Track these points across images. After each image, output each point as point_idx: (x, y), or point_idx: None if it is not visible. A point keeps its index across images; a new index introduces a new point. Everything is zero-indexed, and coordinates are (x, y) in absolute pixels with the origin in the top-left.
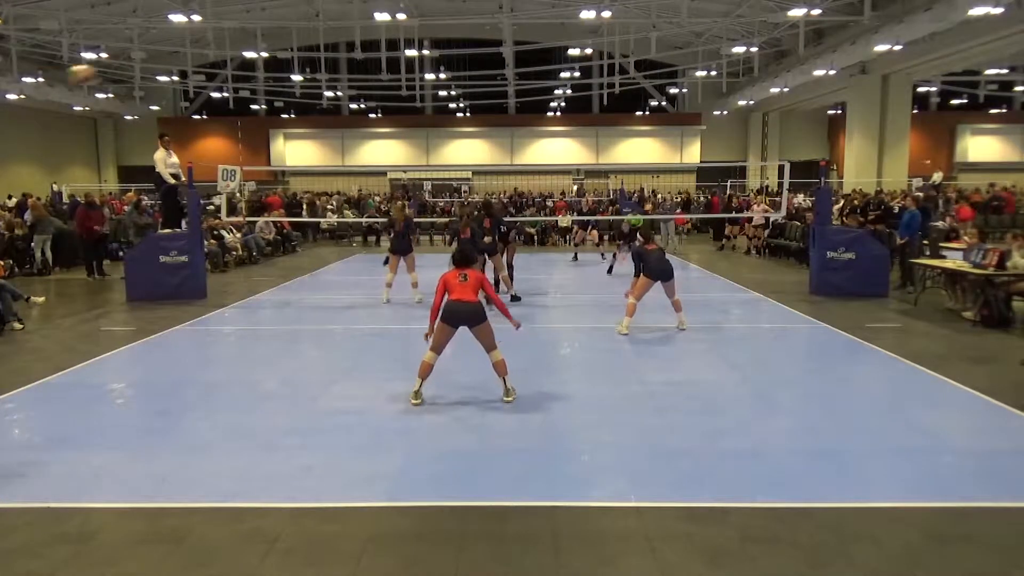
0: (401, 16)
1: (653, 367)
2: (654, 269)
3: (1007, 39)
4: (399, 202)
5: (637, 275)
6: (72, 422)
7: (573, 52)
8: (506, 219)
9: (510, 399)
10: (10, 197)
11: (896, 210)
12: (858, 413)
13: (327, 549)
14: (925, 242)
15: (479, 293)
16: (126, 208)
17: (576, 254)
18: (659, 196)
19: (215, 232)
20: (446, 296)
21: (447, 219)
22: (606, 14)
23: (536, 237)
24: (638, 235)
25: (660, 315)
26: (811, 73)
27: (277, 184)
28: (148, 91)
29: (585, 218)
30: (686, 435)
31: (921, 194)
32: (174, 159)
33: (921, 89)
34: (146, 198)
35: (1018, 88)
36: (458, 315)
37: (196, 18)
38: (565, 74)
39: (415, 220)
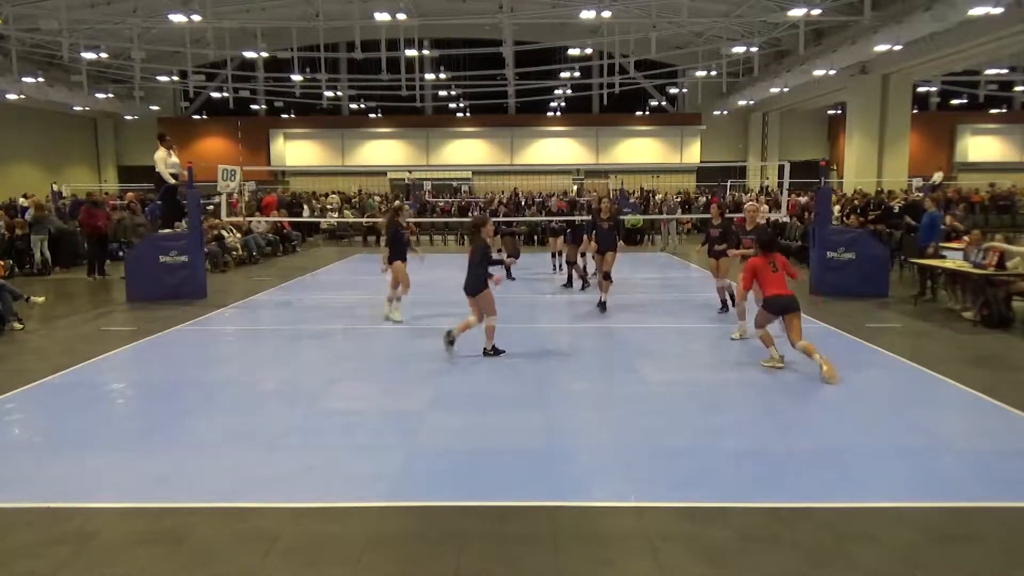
0: (401, 16)
1: (653, 367)
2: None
3: (1007, 39)
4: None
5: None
6: (72, 422)
7: (573, 52)
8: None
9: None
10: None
11: (896, 209)
12: (858, 413)
13: (327, 549)
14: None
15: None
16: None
17: None
18: (659, 196)
19: (215, 232)
20: (764, 290)
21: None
22: (606, 14)
23: (536, 237)
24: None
25: (661, 315)
26: (811, 73)
27: (277, 184)
28: (148, 91)
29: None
30: (686, 435)
31: (939, 193)
32: (174, 159)
33: (921, 89)
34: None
35: (1018, 88)
36: (778, 307)
37: (196, 18)
38: (565, 74)
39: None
